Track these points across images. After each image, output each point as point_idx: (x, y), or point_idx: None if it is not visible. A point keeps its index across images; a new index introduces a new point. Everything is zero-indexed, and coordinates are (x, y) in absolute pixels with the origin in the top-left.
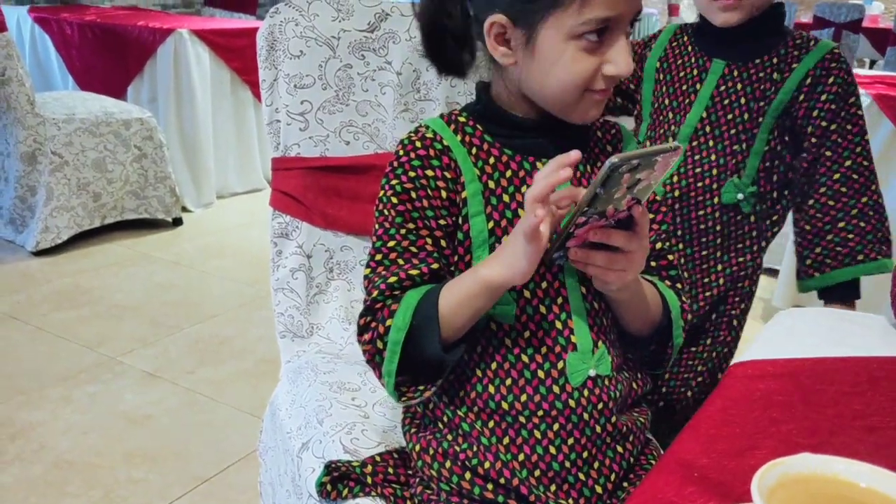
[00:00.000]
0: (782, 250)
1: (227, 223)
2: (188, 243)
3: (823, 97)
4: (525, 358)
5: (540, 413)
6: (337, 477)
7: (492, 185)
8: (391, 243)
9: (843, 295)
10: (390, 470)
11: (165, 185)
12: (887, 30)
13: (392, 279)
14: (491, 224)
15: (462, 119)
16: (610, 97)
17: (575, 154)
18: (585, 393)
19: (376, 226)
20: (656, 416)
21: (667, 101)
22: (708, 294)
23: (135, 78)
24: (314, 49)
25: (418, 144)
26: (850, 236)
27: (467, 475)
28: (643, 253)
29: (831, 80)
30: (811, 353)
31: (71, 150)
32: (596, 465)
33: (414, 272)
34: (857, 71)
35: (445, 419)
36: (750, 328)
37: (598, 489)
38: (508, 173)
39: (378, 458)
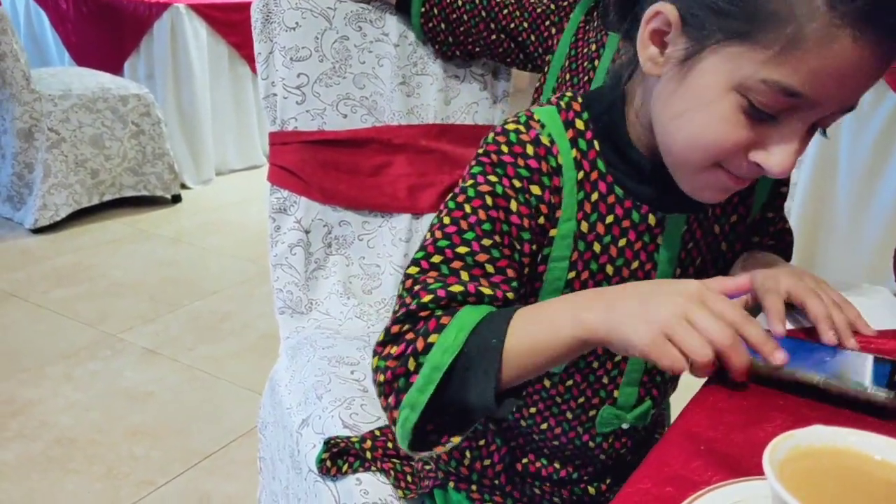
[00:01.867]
0: None
1: (227, 200)
2: (187, 220)
3: None
4: (558, 399)
5: (556, 443)
6: (336, 453)
7: (585, 227)
8: (462, 249)
9: None
10: (390, 444)
11: (164, 162)
12: None
13: (456, 288)
14: (572, 274)
15: (580, 125)
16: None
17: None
18: (610, 440)
19: (444, 217)
20: None
21: (568, 77)
22: None
23: (131, 53)
24: (310, 20)
25: (530, 151)
26: None
27: (466, 461)
28: None
29: None
30: None
31: (68, 127)
32: (599, 480)
33: (486, 291)
34: None
35: None
36: None
37: (592, 490)
38: (610, 218)
39: (377, 433)
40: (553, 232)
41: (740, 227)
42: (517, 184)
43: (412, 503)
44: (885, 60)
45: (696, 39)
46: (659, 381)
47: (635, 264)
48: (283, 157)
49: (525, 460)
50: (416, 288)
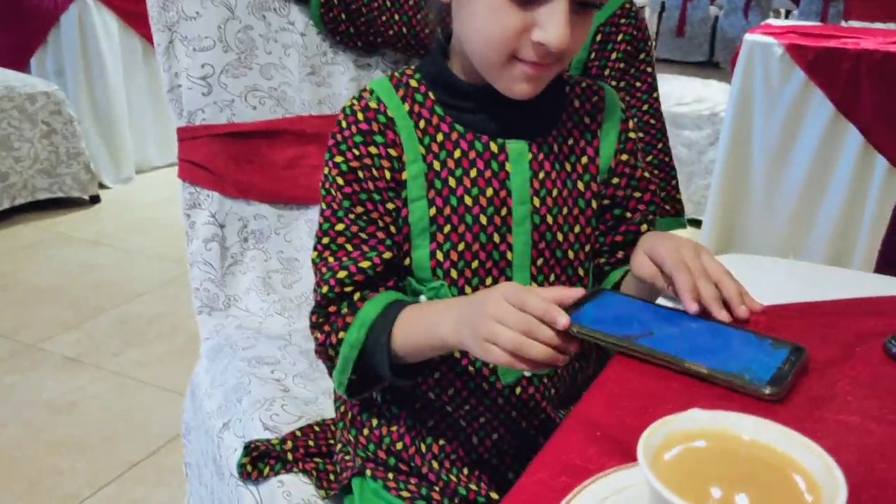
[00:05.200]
0: (705, 200)
1: (149, 198)
2: (108, 221)
3: (613, 56)
4: (457, 355)
5: (467, 407)
6: (257, 456)
7: (437, 165)
8: (339, 226)
9: None
10: (311, 444)
11: (79, 162)
12: None
13: (342, 274)
14: (433, 211)
15: (413, 83)
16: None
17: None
18: (517, 391)
19: (322, 205)
20: None
21: None
22: None
23: (37, 49)
24: (211, 10)
25: (360, 116)
26: None
27: (384, 445)
28: None
29: (620, 37)
30: None
31: None
32: (519, 455)
33: (365, 264)
34: (770, 21)
35: (369, 399)
36: None
37: (511, 476)
38: (457, 153)
39: (298, 433)
40: (404, 175)
41: (592, 167)
42: (356, 152)
43: (334, 500)
44: None
45: None
46: None
47: (489, 191)
48: (193, 152)
49: (442, 441)
50: (318, 276)
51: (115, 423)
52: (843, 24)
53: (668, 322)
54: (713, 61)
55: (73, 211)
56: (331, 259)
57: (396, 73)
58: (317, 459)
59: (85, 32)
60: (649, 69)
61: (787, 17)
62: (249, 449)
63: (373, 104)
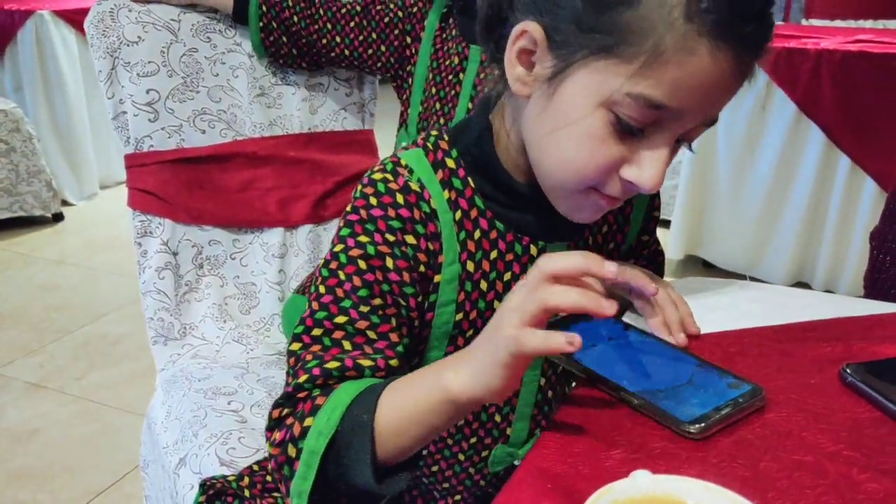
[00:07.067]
0: (673, 201)
1: (114, 213)
2: (72, 239)
3: None
4: (450, 441)
5: (446, 485)
6: (213, 494)
7: (471, 267)
8: (340, 319)
9: None
10: (269, 478)
11: (40, 180)
12: None
13: (332, 364)
14: (460, 316)
15: (450, 163)
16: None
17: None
18: (501, 475)
19: (320, 287)
20: None
21: (434, 91)
22: None
23: None
24: (153, 34)
25: (400, 199)
26: None
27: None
28: None
29: None
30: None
31: None
32: None
33: (366, 363)
34: None
35: None
36: None
37: None
38: (493, 254)
39: (255, 468)
40: (437, 278)
41: (616, 254)
42: (390, 238)
43: None
44: (741, 72)
45: (562, 57)
46: (548, 412)
47: None
48: (143, 180)
49: (413, 493)
50: (297, 367)
51: (79, 450)
52: (805, 21)
53: (633, 346)
54: None
55: (36, 230)
56: (320, 352)
57: (429, 145)
58: (275, 494)
59: (43, 48)
60: None
61: None
62: (205, 487)
63: (415, 187)
